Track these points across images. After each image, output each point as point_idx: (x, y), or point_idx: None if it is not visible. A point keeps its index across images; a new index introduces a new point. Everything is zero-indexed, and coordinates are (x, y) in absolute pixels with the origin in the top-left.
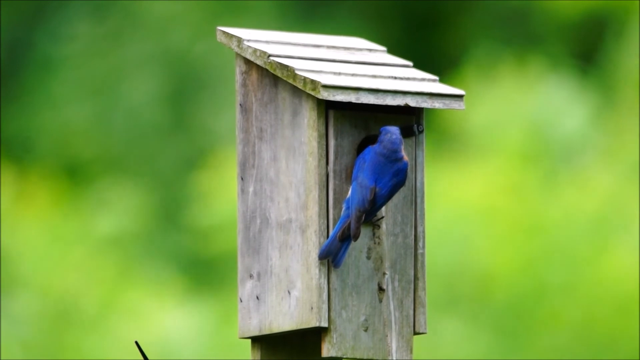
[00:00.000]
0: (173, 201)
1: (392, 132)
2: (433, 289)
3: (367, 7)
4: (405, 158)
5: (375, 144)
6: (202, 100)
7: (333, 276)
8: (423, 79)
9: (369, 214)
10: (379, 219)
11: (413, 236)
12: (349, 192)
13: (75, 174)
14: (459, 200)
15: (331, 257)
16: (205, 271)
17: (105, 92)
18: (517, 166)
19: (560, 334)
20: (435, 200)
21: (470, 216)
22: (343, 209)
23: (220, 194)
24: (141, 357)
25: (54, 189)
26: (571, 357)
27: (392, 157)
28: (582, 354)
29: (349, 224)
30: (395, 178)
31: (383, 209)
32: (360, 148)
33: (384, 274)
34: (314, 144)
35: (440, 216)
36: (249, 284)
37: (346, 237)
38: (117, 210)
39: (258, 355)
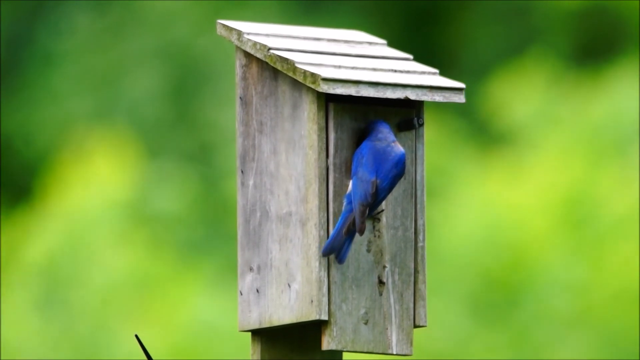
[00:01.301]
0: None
1: (379, 124)
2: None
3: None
4: (399, 146)
5: (369, 137)
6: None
7: (333, 269)
8: (423, 72)
9: (372, 208)
10: (379, 212)
11: (413, 229)
12: (349, 187)
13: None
14: (507, 198)
15: (335, 252)
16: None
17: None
18: (567, 163)
19: (603, 331)
20: (480, 198)
21: (518, 214)
22: (344, 204)
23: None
24: (143, 355)
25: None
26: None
27: (389, 139)
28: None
29: (354, 220)
30: (395, 169)
31: (383, 202)
32: (359, 141)
33: (384, 267)
34: (314, 137)
35: (489, 214)
36: (249, 277)
37: (351, 233)
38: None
39: (258, 349)
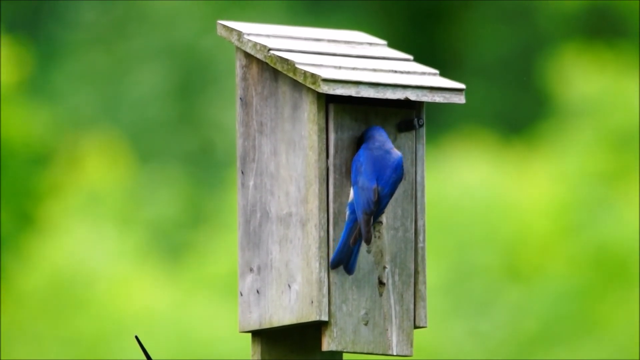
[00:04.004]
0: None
1: (376, 131)
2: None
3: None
4: (397, 151)
5: (365, 144)
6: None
7: (333, 270)
8: (423, 73)
9: (376, 215)
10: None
11: (413, 230)
12: (350, 195)
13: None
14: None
15: (343, 263)
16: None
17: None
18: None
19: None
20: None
21: (524, 212)
22: (347, 213)
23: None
24: (142, 354)
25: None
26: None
27: (386, 146)
28: None
29: (359, 229)
30: (395, 174)
31: None
32: (359, 143)
33: (384, 267)
34: (314, 137)
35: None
36: (249, 278)
37: (358, 242)
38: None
39: (258, 349)
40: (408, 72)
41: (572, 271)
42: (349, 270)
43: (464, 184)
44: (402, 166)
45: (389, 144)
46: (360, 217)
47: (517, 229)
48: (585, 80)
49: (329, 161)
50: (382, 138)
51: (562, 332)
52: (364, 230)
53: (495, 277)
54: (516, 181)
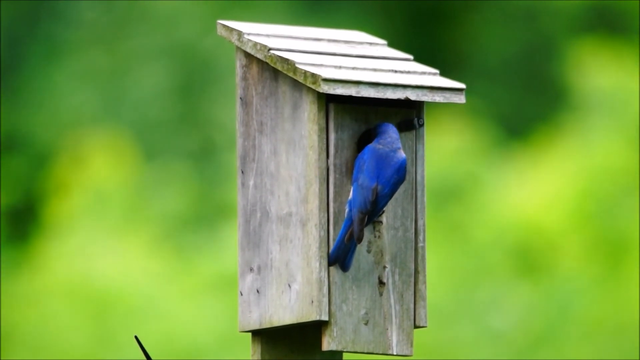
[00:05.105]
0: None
1: (390, 128)
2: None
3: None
4: (402, 152)
5: (372, 142)
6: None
7: (333, 270)
8: (423, 73)
9: (372, 215)
10: (379, 214)
11: (413, 230)
12: (351, 193)
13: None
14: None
15: (339, 261)
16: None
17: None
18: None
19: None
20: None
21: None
22: (346, 210)
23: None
24: (142, 354)
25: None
26: None
27: (394, 145)
28: None
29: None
30: (396, 175)
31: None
32: (360, 142)
33: (385, 267)
34: (315, 137)
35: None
36: (250, 278)
37: (352, 240)
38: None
39: (258, 349)
40: (408, 72)
41: (583, 268)
42: (345, 267)
43: (473, 181)
44: (405, 168)
45: (398, 144)
46: (355, 215)
47: (528, 225)
48: (592, 77)
49: (329, 161)
50: (394, 135)
51: (570, 331)
52: (356, 229)
53: (505, 275)
54: (526, 177)
